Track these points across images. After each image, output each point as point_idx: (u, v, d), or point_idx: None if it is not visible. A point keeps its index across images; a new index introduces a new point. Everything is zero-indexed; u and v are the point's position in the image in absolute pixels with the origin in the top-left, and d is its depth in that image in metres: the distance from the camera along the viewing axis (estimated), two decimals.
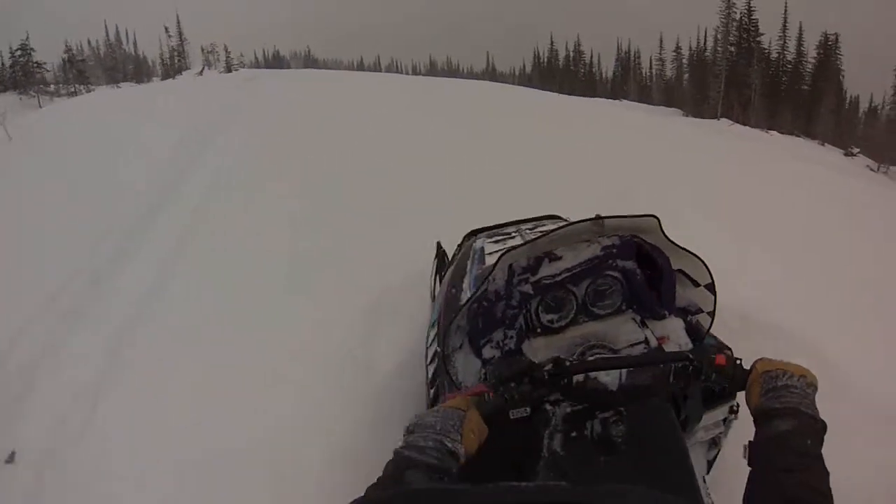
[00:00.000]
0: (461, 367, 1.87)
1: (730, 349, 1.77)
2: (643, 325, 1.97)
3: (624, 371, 1.41)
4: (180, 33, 49.55)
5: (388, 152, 6.83)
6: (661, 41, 51.21)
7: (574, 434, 1.39)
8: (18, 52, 39.00)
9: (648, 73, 55.16)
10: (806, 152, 14.46)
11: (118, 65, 52.04)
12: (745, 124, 27.86)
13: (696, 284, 2.01)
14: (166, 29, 50.66)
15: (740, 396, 1.45)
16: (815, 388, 1.19)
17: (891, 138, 28.37)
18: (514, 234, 2.64)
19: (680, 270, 2.01)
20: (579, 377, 1.39)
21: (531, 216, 3.07)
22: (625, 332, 1.94)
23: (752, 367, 1.28)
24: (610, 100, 38.18)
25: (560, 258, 1.95)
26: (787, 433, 1.07)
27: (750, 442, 1.11)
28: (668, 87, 49.48)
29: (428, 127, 8.32)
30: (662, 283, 1.96)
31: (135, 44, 57.09)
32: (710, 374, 1.31)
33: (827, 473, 1.00)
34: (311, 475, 2.46)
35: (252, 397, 2.91)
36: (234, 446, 2.60)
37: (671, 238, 1.94)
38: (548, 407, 1.44)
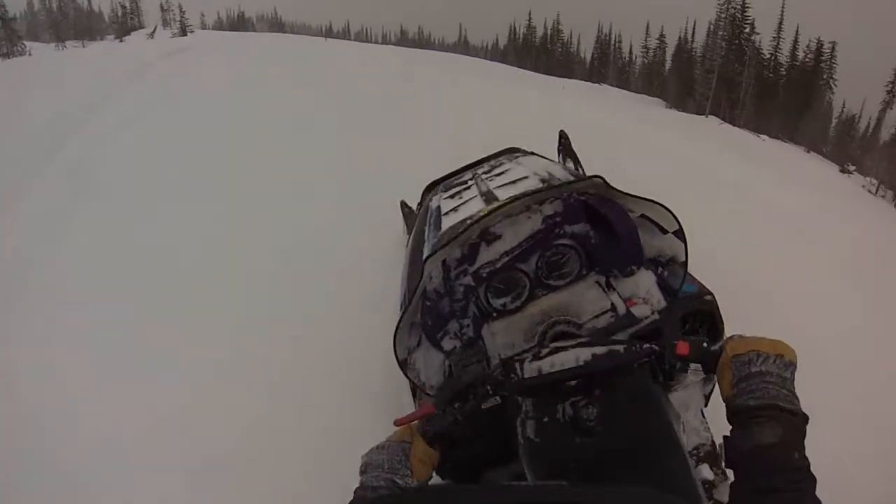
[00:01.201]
0: (422, 366, 1.72)
1: (711, 294, 1.80)
2: (609, 287, 1.79)
3: (582, 358, 1.29)
4: None
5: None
6: (647, 29, 49.48)
7: (546, 419, 1.29)
8: None
9: (628, 59, 53.80)
10: (801, 173, 13.06)
11: (67, 21, 48.30)
12: (733, 124, 26.52)
13: (664, 232, 1.76)
14: None
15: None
16: (794, 367, 1.09)
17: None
18: (469, 183, 2.49)
19: (644, 216, 1.77)
20: (532, 373, 1.31)
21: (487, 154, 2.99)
22: (588, 300, 1.78)
23: (722, 348, 1.17)
24: (588, 83, 36.48)
25: (499, 237, 1.83)
26: (770, 446, 0.99)
27: (726, 438, 1.06)
28: (649, 74, 48.11)
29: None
30: (621, 235, 1.74)
31: None
32: (673, 364, 1.23)
33: (814, 482, 0.95)
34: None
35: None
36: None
37: (625, 191, 1.73)
38: (517, 396, 1.36)
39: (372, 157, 5.62)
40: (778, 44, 39.52)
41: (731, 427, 1.07)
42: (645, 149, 7.68)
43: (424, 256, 1.73)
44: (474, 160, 3.06)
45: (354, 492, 1.14)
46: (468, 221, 1.77)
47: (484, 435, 1.43)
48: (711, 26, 38.67)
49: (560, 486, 0.89)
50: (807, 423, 1.03)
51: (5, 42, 36.36)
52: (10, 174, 5.47)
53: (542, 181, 2.00)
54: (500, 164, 2.72)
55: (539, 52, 54.84)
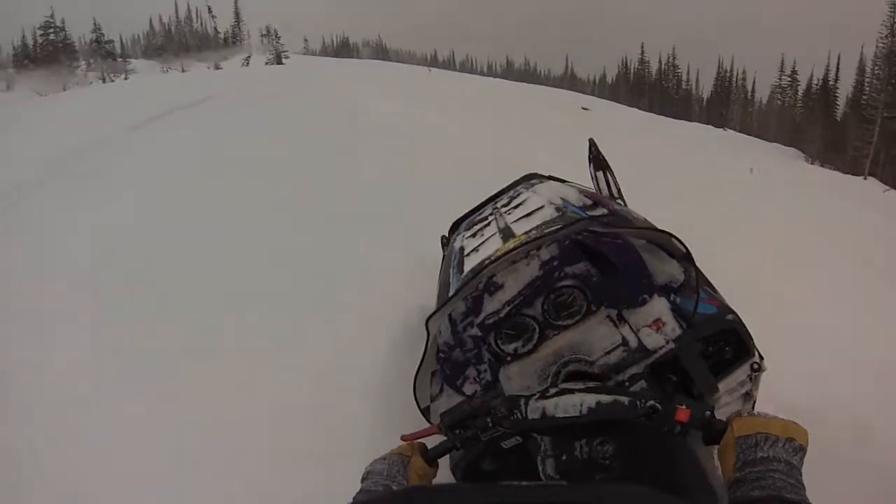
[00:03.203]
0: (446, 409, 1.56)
1: (733, 313, 1.70)
2: (621, 320, 1.77)
3: (585, 405, 1.25)
4: (237, 13, 46.65)
5: None
6: (781, 64, 43.84)
7: (564, 457, 1.29)
8: (41, 31, 36.86)
9: (751, 97, 48.88)
10: None
11: (174, 43, 49.55)
12: None
13: (673, 256, 1.79)
14: (209, 9, 47.92)
15: (762, 349, 1.68)
16: (804, 452, 1.03)
17: None
18: (489, 219, 2.51)
19: (653, 242, 1.80)
20: (535, 414, 1.29)
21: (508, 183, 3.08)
22: (599, 336, 1.77)
23: (728, 424, 1.10)
24: (708, 126, 32.41)
25: (501, 286, 1.88)
26: None
27: None
28: (780, 119, 42.78)
29: None
30: (622, 269, 1.78)
31: (211, 18, 54.49)
32: (671, 429, 1.17)
33: None
34: None
35: None
36: None
37: (621, 227, 1.86)
38: (535, 435, 1.38)
39: None
40: None
41: None
42: (806, 221, 6.78)
43: (426, 318, 1.72)
44: (493, 193, 3.07)
45: (354, 497, 1.16)
46: (460, 284, 1.86)
47: (509, 471, 1.46)
48: (866, 62, 33.08)
49: (560, 485, 0.89)
50: None
51: (100, 63, 36.88)
52: None
53: (557, 209, 2.03)
54: (519, 195, 2.72)
55: (653, 88, 51.02)
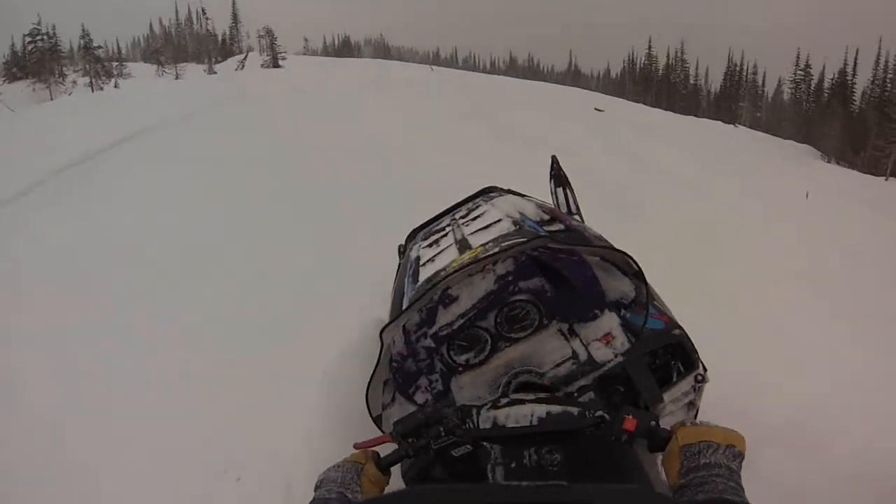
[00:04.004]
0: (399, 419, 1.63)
1: (679, 328, 1.80)
2: (572, 334, 1.86)
3: (536, 415, 1.31)
4: (234, 14, 45.66)
5: None
6: (797, 59, 42.57)
7: (514, 465, 1.32)
8: (29, 39, 35.80)
9: (762, 92, 47.65)
10: None
11: (172, 46, 48.74)
12: None
13: (625, 273, 1.83)
14: (202, 11, 47.00)
15: (707, 361, 1.81)
16: (742, 457, 1.10)
17: None
18: (447, 230, 2.50)
19: (607, 259, 1.85)
20: (486, 424, 1.34)
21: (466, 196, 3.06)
22: (550, 349, 1.85)
23: (673, 434, 1.17)
24: (718, 122, 31.26)
25: (456, 299, 1.90)
26: None
27: None
28: (792, 115, 41.43)
29: None
30: (576, 285, 1.86)
31: (207, 21, 53.61)
32: (618, 437, 1.22)
33: None
34: None
35: None
36: None
37: (576, 244, 1.89)
38: (485, 443, 1.40)
39: None
40: None
41: None
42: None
43: (380, 330, 1.71)
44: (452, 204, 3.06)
45: None
46: (415, 294, 1.82)
47: (459, 479, 1.45)
48: (887, 57, 31.77)
49: (560, 485, 0.92)
50: None
51: (91, 69, 35.74)
52: None
53: (514, 223, 2.03)
54: (477, 207, 2.72)
55: (661, 84, 49.87)
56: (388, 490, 1.33)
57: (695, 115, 33.47)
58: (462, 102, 13.17)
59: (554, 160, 3.38)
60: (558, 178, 3.28)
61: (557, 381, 1.72)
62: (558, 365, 1.78)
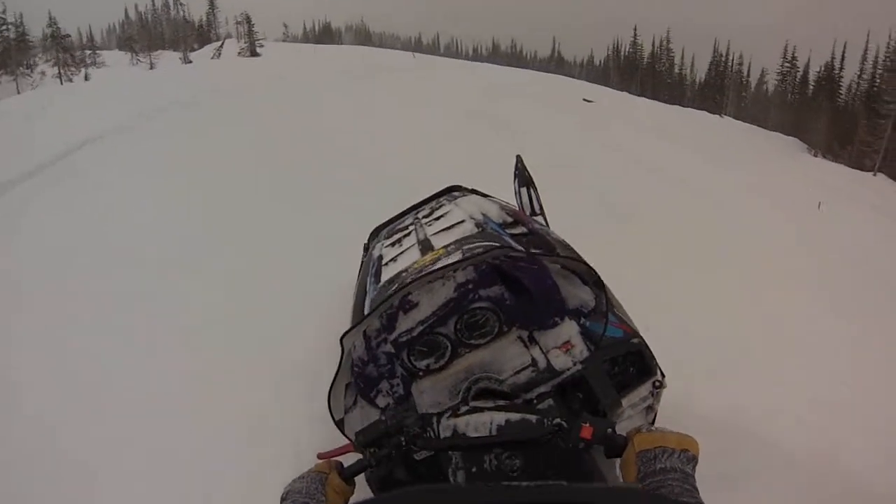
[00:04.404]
0: (359, 423, 1.80)
1: (638, 337, 1.85)
2: (531, 341, 1.87)
3: (495, 423, 1.34)
4: (211, 1, 44.34)
5: None
6: (784, 51, 42.23)
7: (474, 470, 1.33)
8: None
9: (746, 82, 47.46)
10: None
11: (150, 32, 47.45)
12: None
13: (586, 282, 1.89)
14: None
15: (667, 369, 1.84)
16: (696, 461, 1.13)
17: None
18: (410, 229, 2.53)
19: (566, 267, 1.89)
20: (447, 433, 1.37)
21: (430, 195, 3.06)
22: (509, 356, 1.84)
23: (629, 440, 1.20)
24: (703, 112, 30.95)
25: (416, 305, 1.89)
26: None
27: None
28: (778, 106, 41.24)
29: None
30: (535, 294, 1.87)
31: (178, 8, 52.23)
32: (576, 444, 1.26)
33: None
34: None
35: None
36: None
37: (538, 253, 1.93)
38: None
39: None
40: None
41: None
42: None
43: (340, 336, 1.74)
44: (416, 203, 3.08)
45: None
46: (376, 299, 1.91)
47: (422, 482, 1.51)
48: (878, 52, 31.28)
49: (560, 485, 0.93)
50: None
51: (60, 60, 34.29)
52: None
53: (477, 225, 2.09)
54: (441, 206, 2.74)
55: (645, 73, 49.51)
56: (352, 500, 1.33)
57: (680, 105, 33.32)
58: (449, 97, 12.59)
59: (518, 159, 3.37)
60: (522, 177, 3.28)
61: (517, 387, 1.73)
62: (518, 372, 1.79)
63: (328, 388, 1.68)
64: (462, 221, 2.19)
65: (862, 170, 23.20)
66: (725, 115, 35.15)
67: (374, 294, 2.01)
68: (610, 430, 1.23)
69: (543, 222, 2.94)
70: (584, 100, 16.53)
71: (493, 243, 1.89)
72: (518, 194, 3.23)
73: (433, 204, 2.87)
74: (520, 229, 2.10)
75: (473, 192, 2.95)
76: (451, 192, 3.03)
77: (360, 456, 1.40)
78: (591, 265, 1.73)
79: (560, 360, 1.77)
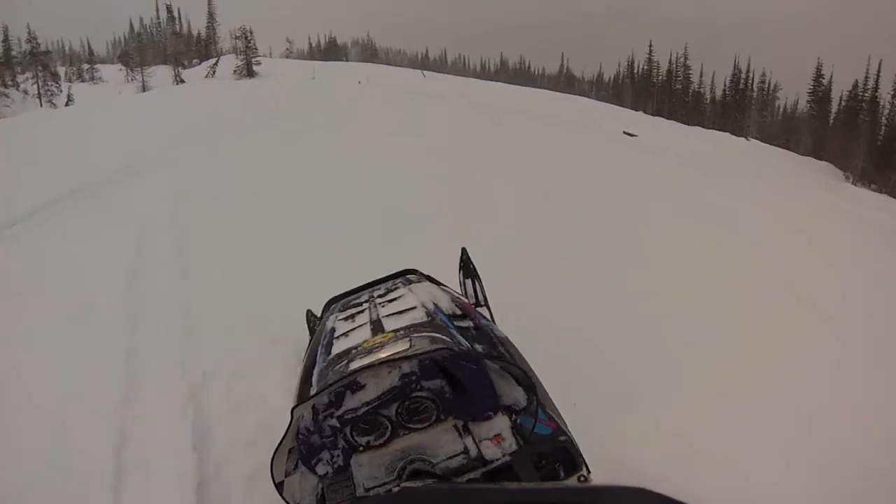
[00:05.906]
0: (298, 488, 1.92)
1: (566, 435, 1.91)
2: (465, 430, 1.94)
3: None
4: (210, 14, 42.92)
5: None
6: (818, 68, 40.13)
7: None
8: None
9: (770, 99, 45.68)
10: None
11: (151, 48, 46.19)
12: None
13: (520, 384, 1.96)
14: (168, 8, 45.03)
15: (590, 462, 1.82)
16: None
17: None
18: (364, 306, 2.57)
19: (504, 370, 1.97)
20: None
21: (388, 274, 3.12)
22: (444, 442, 1.92)
23: None
24: (726, 133, 29.23)
25: (363, 387, 1.96)
26: None
27: None
28: (808, 129, 39.31)
29: None
30: (471, 391, 1.93)
31: (179, 22, 51.01)
32: None
33: None
34: None
35: None
36: None
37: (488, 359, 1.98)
38: None
39: None
40: None
41: None
42: None
43: (291, 407, 1.85)
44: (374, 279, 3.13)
45: None
46: (332, 379, 1.93)
47: None
48: None
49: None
50: None
51: (36, 78, 32.19)
52: None
53: (427, 314, 2.18)
54: (396, 289, 2.80)
55: (662, 91, 47.82)
56: None
57: (700, 126, 31.66)
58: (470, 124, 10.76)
59: (463, 251, 3.50)
60: (467, 269, 3.43)
61: (448, 471, 1.81)
62: (450, 457, 1.86)
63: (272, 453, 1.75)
64: (413, 308, 2.25)
65: None
66: (751, 137, 33.43)
67: (323, 366, 2.10)
68: None
69: (488, 314, 3.09)
70: (625, 132, 14.69)
71: (441, 335, 1.97)
72: (463, 285, 3.39)
73: (389, 284, 2.91)
74: (466, 323, 2.26)
75: (429, 278, 2.99)
76: (407, 275, 3.04)
77: None
78: (525, 370, 1.91)
79: (490, 451, 1.86)
